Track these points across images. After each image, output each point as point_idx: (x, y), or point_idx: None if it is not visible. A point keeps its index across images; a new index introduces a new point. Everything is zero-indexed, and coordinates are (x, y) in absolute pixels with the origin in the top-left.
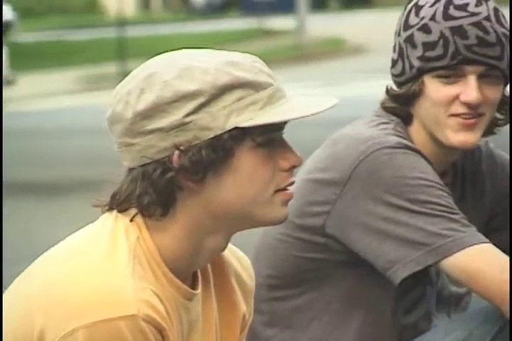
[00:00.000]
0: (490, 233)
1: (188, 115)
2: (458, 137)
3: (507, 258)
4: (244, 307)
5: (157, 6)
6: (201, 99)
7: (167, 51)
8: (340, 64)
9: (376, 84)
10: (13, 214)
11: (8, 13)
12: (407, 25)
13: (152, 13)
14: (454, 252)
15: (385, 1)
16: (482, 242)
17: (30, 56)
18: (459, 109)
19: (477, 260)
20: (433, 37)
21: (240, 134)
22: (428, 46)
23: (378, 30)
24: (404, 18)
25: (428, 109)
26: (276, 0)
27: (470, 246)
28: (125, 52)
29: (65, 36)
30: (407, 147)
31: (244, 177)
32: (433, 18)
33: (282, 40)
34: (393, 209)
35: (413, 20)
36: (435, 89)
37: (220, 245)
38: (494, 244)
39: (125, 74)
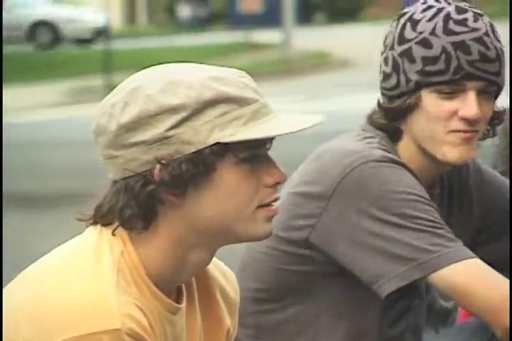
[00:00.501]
0: (476, 246)
1: (170, 129)
2: (455, 153)
3: (494, 272)
4: (228, 321)
5: (143, 19)
6: (184, 114)
7: (153, 64)
8: (326, 78)
9: (362, 98)
10: (5, 225)
11: (99, 19)
12: (402, 39)
13: (138, 26)
14: (440, 268)
15: (371, 15)
16: (468, 257)
17: (17, 68)
18: (458, 125)
19: (464, 275)
20: (434, 51)
21: (222, 149)
22: (428, 60)
23: (364, 44)
24: (398, 31)
25: (423, 124)
26: (262, 13)
27: (456, 261)
28: (111, 65)
29: (52, 49)
30: (392, 161)
31: (225, 193)
32: (433, 32)
33: (268, 54)
34: (379, 224)
35: (410, 34)
36: (433, 103)
37: (204, 259)
38: (481, 258)
39: (111, 87)
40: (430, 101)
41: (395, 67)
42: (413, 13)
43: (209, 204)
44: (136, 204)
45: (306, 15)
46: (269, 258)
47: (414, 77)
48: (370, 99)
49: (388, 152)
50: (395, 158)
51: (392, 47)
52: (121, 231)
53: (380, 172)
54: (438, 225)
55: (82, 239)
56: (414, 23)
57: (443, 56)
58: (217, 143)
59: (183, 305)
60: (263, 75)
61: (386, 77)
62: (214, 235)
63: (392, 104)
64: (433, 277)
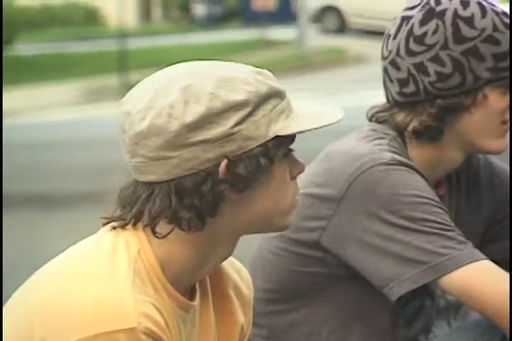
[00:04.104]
0: (488, 243)
1: (235, 125)
2: (500, 143)
3: (504, 273)
4: (242, 318)
5: (158, 16)
6: (247, 109)
7: (169, 62)
8: (342, 73)
9: (377, 94)
10: (14, 227)
11: None
12: (461, 38)
13: (153, 24)
14: (451, 271)
15: None
16: (479, 259)
17: (31, 68)
18: (507, 116)
19: (474, 278)
20: (504, 47)
21: (278, 143)
22: (500, 57)
23: (379, 38)
24: (451, 31)
25: (482, 118)
26: (277, 10)
27: (467, 264)
28: (126, 63)
29: (65, 48)
30: (401, 163)
31: (275, 187)
32: (496, 29)
33: (284, 51)
34: (389, 227)
35: (469, 32)
36: (497, 98)
37: (228, 252)
38: (492, 254)
39: (127, 86)
40: (494, 96)
41: (458, 67)
42: (455, 11)
43: (262, 198)
44: (201, 204)
45: None
46: (279, 259)
47: (485, 75)
48: (384, 95)
49: (398, 154)
50: (405, 160)
51: (445, 47)
52: (139, 231)
53: (389, 175)
54: (448, 227)
55: (98, 238)
56: (469, 20)
57: None
58: (275, 137)
59: (196, 302)
60: (279, 72)
61: (446, 77)
62: (252, 229)
63: (450, 101)
64: (443, 280)
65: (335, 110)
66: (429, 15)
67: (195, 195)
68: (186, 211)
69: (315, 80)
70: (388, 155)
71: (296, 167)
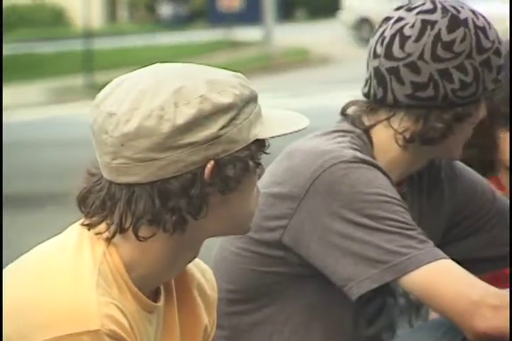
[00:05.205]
0: (448, 243)
1: (222, 128)
2: (460, 150)
3: (464, 274)
4: (206, 318)
5: (124, 17)
6: (233, 113)
7: (134, 62)
8: (308, 74)
9: (343, 95)
10: None
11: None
12: (481, 49)
13: (119, 24)
14: (411, 270)
15: None
16: (439, 258)
17: None
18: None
19: (433, 278)
20: (502, 60)
21: (259, 146)
22: (500, 69)
23: (345, 40)
24: (475, 40)
25: (469, 127)
26: (242, 11)
27: (426, 263)
28: (92, 64)
29: (32, 48)
30: (363, 161)
31: (251, 190)
32: (499, 41)
33: (249, 51)
34: (350, 225)
35: (486, 43)
36: (483, 108)
37: (195, 253)
38: (452, 255)
39: (92, 86)
40: (483, 106)
41: (476, 77)
42: (473, 20)
43: (241, 201)
44: (188, 207)
45: (286, 12)
46: (241, 259)
47: (490, 86)
48: (347, 96)
49: (360, 151)
50: (367, 158)
51: (469, 56)
52: (103, 232)
53: (350, 173)
54: (409, 226)
55: (63, 238)
56: (484, 30)
57: (505, 63)
58: (256, 140)
59: (160, 303)
60: (244, 72)
61: (467, 85)
62: (223, 231)
63: (464, 111)
64: (403, 280)
65: (296, 113)
66: (455, 22)
67: (182, 198)
68: (171, 213)
69: (280, 80)
70: (350, 153)
71: (260, 169)
